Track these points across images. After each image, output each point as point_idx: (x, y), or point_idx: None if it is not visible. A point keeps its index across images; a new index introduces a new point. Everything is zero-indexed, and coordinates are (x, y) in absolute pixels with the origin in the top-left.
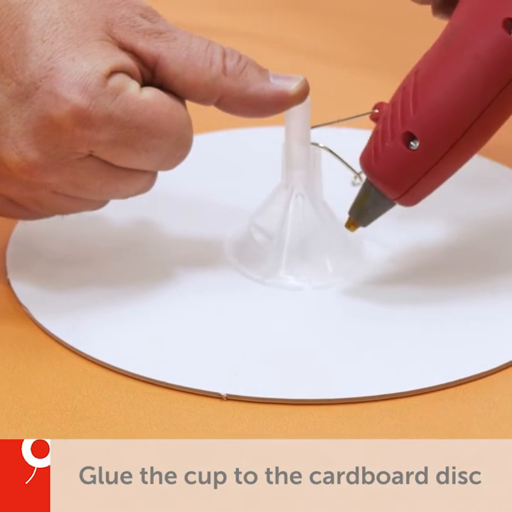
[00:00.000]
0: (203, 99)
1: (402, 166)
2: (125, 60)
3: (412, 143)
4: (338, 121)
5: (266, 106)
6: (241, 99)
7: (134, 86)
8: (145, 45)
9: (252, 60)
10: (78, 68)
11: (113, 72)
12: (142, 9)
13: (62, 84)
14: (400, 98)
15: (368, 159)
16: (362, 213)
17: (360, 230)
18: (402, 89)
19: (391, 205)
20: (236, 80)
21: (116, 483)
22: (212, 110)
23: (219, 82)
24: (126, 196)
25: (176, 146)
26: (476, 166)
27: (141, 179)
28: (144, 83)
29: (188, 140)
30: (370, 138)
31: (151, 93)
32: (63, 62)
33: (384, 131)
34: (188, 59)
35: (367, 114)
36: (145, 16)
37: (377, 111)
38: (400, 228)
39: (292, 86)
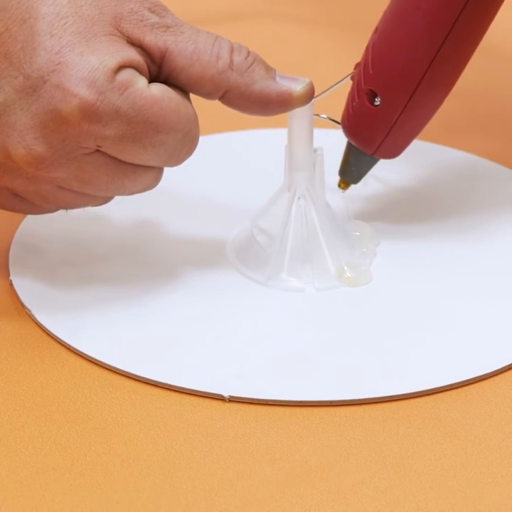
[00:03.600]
0: (208, 93)
1: (369, 123)
2: (133, 55)
3: (375, 99)
4: (330, 89)
5: (270, 104)
6: (246, 95)
7: (141, 81)
8: (152, 38)
9: (260, 57)
10: (86, 63)
11: (121, 67)
12: (150, 4)
13: (70, 79)
14: (363, 57)
15: (343, 119)
16: (348, 171)
17: (362, 231)
18: (366, 48)
19: (373, 159)
20: (242, 76)
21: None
22: (215, 112)
23: (225, 76)
24: (131, 193)
25: (182, 142)
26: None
27: (147, 175)
28: (151, 78)
29: (194, 136)
30: (347, 99)
31: (158, 89)
32: (71, 57)
33: (352, 91)
34: (194, 52)
35: (350, 75)
36: (153, 11)
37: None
38: (402, 230)
39: (298, 87)
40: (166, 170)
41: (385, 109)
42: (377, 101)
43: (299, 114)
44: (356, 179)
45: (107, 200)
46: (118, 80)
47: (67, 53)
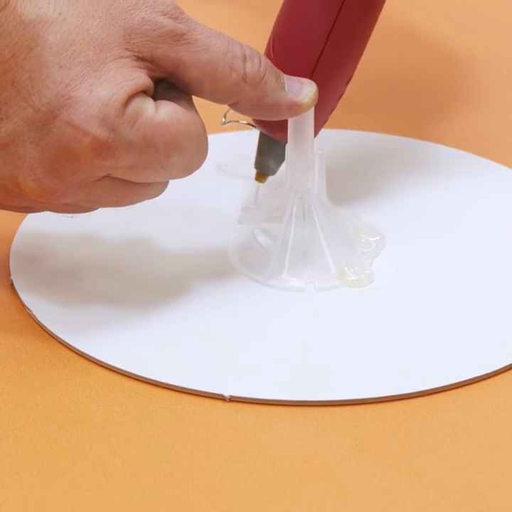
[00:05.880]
0: (218, 100)
1: None
2: (141, 80)
3: None
4: None
5: (279, 114)
6: (257, 106)
7: (150, 107)
8: (164, 51)
9: (271, 65)
10: (96, 99)
11: (130, 98)
12: (163, 5)
13: (80, 117)
14: (266, 45)
15: None
16: (263, 163)
17: (363, 230)
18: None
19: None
20: (255, 89)
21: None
22: (214, 112)
23: (238, 88)
24: (137, 203)
25: (192, 159)
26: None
27: (155, 189)
28: (158, 82)
29: (204, 151)
30: None
31: (166, 111)
32: (81, 92)
33: None
34: (208, 63)
35: None
36: (166, 13)
37: None
38: (403, 230)
39: (306, 98)
40: None
41: None
42: None
43: (300, 115)
44: (272, 171)
45: None
46: (128, 112)
47: (77, 87)
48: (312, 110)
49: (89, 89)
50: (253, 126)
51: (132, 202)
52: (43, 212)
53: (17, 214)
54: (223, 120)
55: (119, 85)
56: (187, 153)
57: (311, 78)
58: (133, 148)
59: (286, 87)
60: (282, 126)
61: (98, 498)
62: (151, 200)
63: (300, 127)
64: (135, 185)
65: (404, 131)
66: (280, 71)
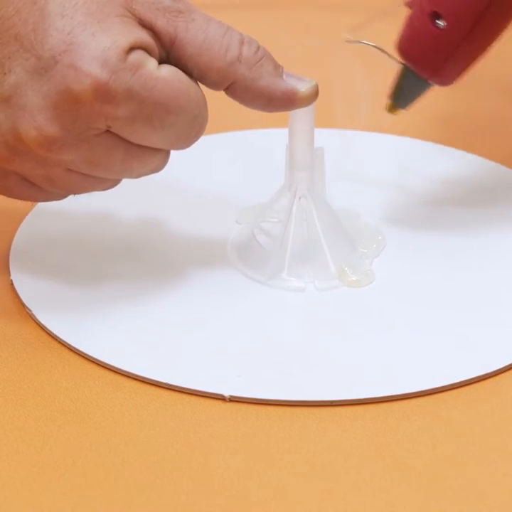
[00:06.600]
0: (213, 83)
1: (431, 45)
2: (144, 37)
3: (438, 22)
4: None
5: (273, 101)
6: (252, 89)
7: (152, 63)
8: (164, 23)
9: (269, 54)
10: (98, 43)
11: (132, 48)
12: None
13: (82, 59)
14: None
15: (401, 42)
16: (400, 95)
17: (364, 230)
18: None
19: (426, 85)
20: (250, 70)
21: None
22: (215, 111)
23: (233, 68)
24: (139, 175)
25: (191, 124)
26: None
27: (155, 158)
28: (159, 62)
29: (203, 119)
30: (404, 23)
31: (168, 71)
32: (83, 37)
33: (414, 14)
34: (204, 42)
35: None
36: None
37: None
38: (403, 230)
39: (303, 88)
40: (167, 169)
41: (449, 32)
42: (441, 23)
43: (301, 114)
44: (405, 104)
45: (114, 183)
46: (129, 60)
47: (79, 33)
48: (313, 108)
49: (91, 35)
50: (378, 48)
51: (131, 168)
52: (43, 212)
53: (17, 214)
54: (348, 37)
55: (122, 34)
56: (186, 115)
57: (476, 22)
58: (133, 96)
59: (283, 76)
60: (432, 62)
61: (98, 498)
62: (150, 199)
63: (301, 126)
64: (134, 147)
65: (404, 130)
66: (280, 64)
